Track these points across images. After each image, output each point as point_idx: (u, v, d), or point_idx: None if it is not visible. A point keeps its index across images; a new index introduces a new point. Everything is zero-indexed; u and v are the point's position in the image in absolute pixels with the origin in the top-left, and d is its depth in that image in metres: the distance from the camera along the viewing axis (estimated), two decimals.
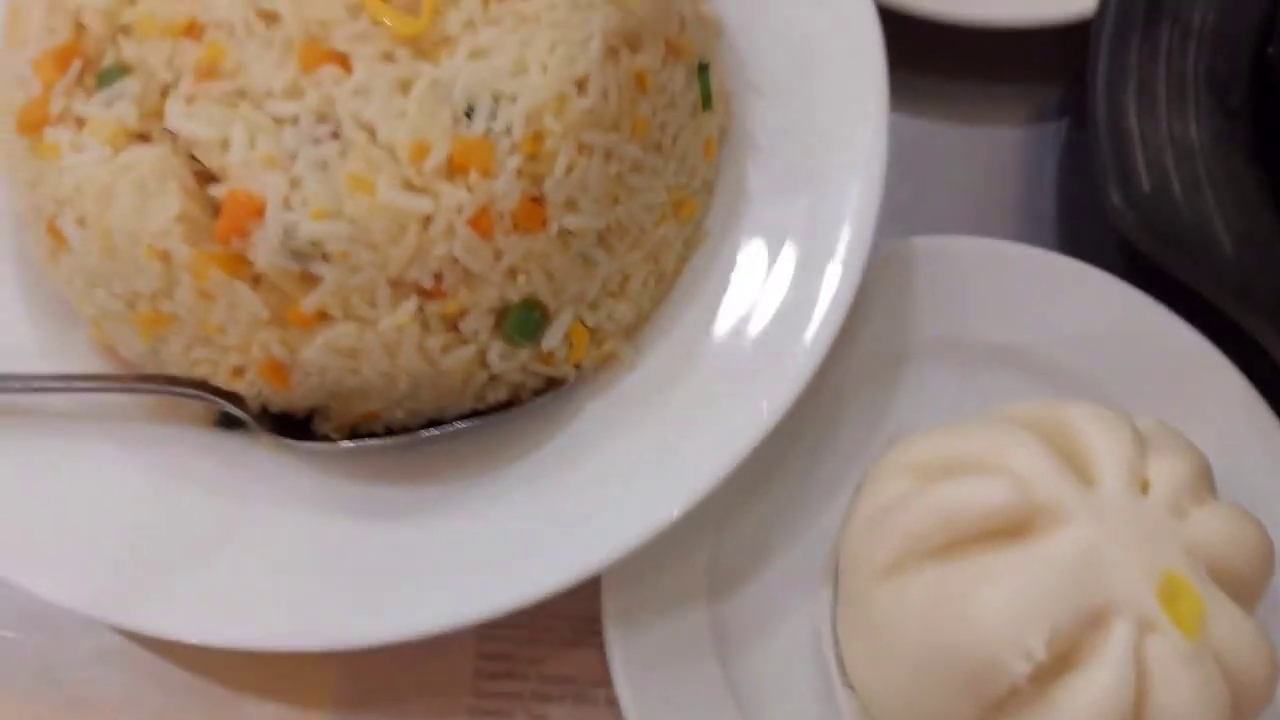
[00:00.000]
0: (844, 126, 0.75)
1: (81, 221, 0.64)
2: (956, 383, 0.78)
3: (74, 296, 0.69)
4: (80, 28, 0.67)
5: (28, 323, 0.73)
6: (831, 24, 0.78)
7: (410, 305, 0.63)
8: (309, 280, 0.62)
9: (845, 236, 0.72)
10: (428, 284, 0.63)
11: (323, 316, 0.63)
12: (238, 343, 0.65)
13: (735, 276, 0.74)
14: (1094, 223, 0.83)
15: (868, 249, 0.72)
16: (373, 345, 0.64)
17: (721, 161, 0.78)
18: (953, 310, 0.78)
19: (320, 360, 0.65)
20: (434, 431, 0.69)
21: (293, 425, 0.71)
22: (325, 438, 0.71)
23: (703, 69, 0.74)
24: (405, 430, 0.71)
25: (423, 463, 0.71)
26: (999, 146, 0.88)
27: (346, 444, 0.70)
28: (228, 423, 0.72)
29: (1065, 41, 0.86)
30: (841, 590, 0.68)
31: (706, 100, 0.74)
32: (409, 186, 0.62)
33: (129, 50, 0.65)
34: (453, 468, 0.71)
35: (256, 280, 0.63)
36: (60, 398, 0.71)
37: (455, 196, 0.62)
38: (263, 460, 0.71)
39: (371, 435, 0.71)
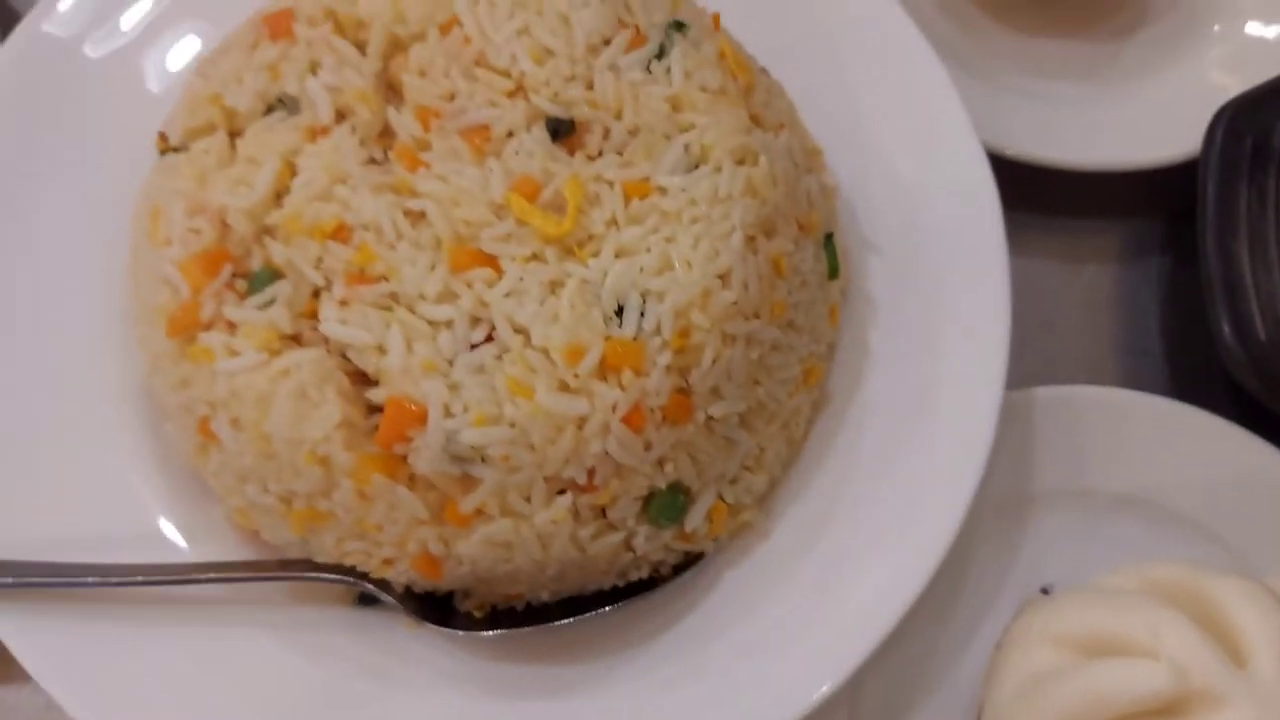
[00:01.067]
0: (964, 280, 0.77)
1: (237, 424, 0.65)
2: (1081, 531, 0.79)
3: (221, 488, 0.70)
4: (224, 228, 0.68)
5: (169, 507, 0.74)
6: (943, 173, 0.80)
7: (565, 501, 0.64)
8: (468, 481, 0.64)
9: (973, 398, 0.74)
10: (581, 479, 0.64)
11: (480, 514, 0.64)
12: (394, 539, 0.66)
13: (862, 439, 0.75)
14: (1203, 360, 0.84)
15: (996, 413, 0.73)
16: (527, 538, 0.65)
17: (841, 320, 0.79)
18: (1073, 459, 0.79)
19: (475, 553, 0.66)
20: (574, 619, 0.70)
21: (434, 603, 0.72)
22: (467, 615, 0.72)
23: (828, 239, 0.75)
24: (546, 607, 0.72)
25: (563, 641, 0.72)
26: (1099, 283, 0.90)
27: (489, 633, 0.70)
28: (367, 600, 0.73)
29: (1160, 179, 0.87)
30: None
31: (834, 270, 0.75)
32: (565, 388, 0.63)
33: (277, 252, 0.66)
34: (593, 645, 0.71)
35: (414, 481, 0.64)
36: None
37: (610, 396, 0.63)
38: (404, 639, 0.72)
39: (512, 612, 0.72)
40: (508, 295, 0.64)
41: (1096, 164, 0.86)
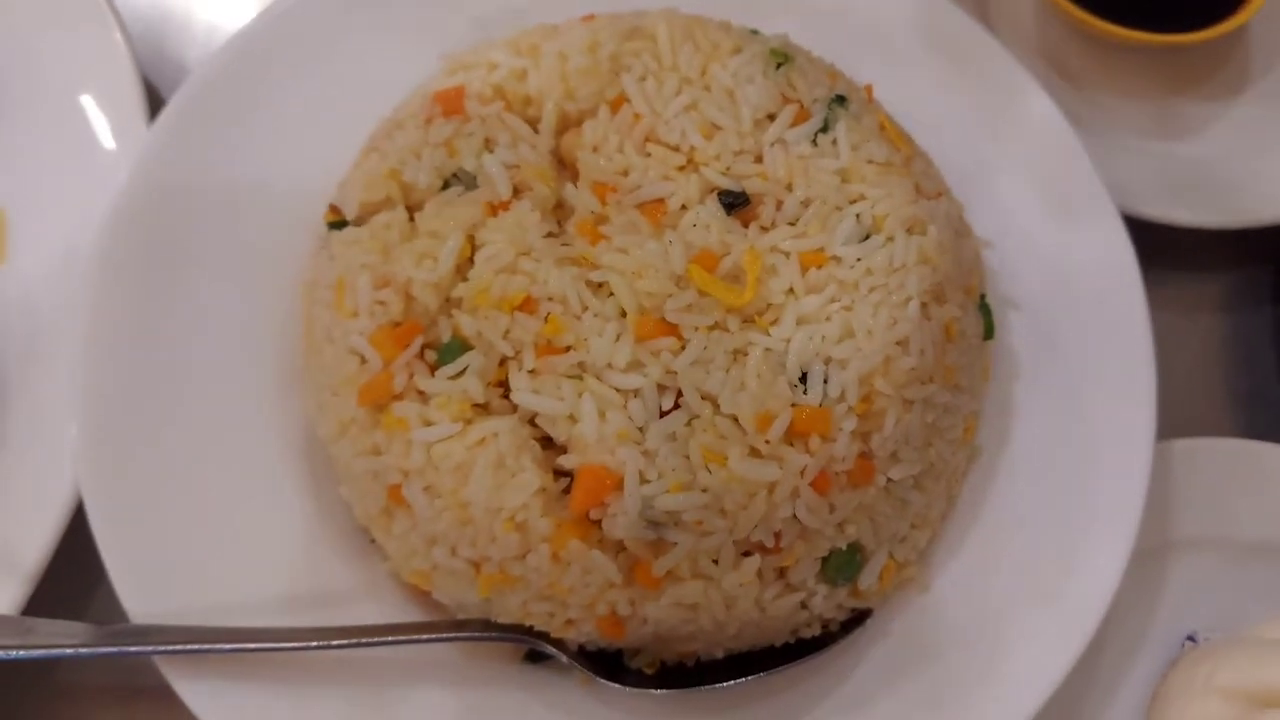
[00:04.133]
0: (1105, 337, 0.79)
1: (431, 490, 0.67)
2: (1220, 580, 0.81)
3: (402, 550, 0.72)
4: (409, 300, 0.71)
5: (338, 569, 0.76)
6: (1078, 233, 0.82)
7: (753, 563, 0.66)
8: (660, 545, 0.66)
9: (1125, 454, 0.76)
10: (769, 542, 0.67)
11: (671, 576, 0.66)
12: (584, 601, 0.67)
13: (1015, 493, 0.77)
14: None
15: (1148, 468, 0.75)
16: (715, 600, 0.67)
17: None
18: (1210, 508, 0.82)
19: (662, 615, 0.67)
20: (747, 679, 0.71)
21: (605, 660, 0.73)
22: (637, 672, 0.73)
23: (982, 301, 0.78)
24: (715, 663, 0.74)
25: (734, 699, 0.73)
26: (1213, 333, 0.92)
27: (660, 691, 0.71)
28: (535, 658, 0.75)
29: (1270, 231, 0.90)
30: None
31: (989, 331, 0.78)
32: (756, 454, 0.65)
33: (465, 324, 0.69)
34: (764, 702, 0.73)
35: (605, 544, 0.66)
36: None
37: (798, 461, 0.65)
38: (577, 696, 0.73)
39: (682, 668, 0.74)
40: (694, 364, 0.67)
41: (1214, 223, 0.89)
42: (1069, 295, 0.81)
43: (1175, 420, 0.87)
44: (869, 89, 0.79)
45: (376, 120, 0.82)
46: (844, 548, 0.69)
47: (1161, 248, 0.92)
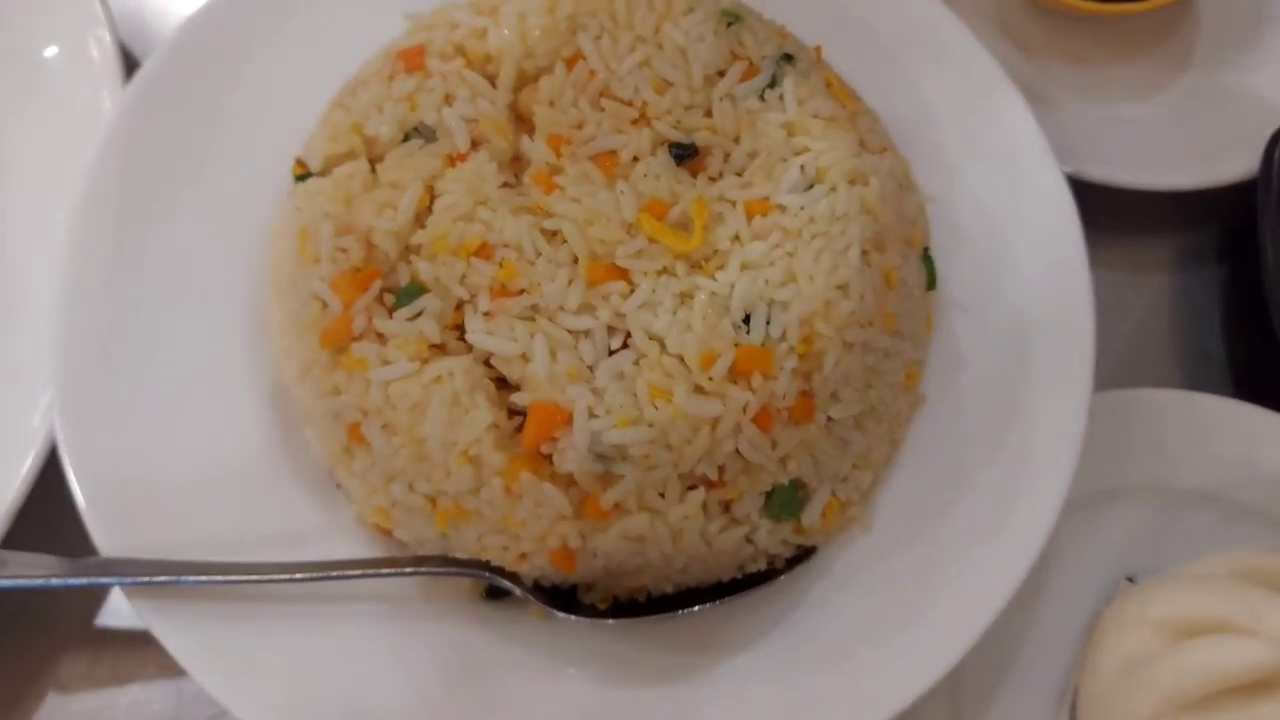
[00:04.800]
0: (1047, 290, 0.82)
1: (389, 428, 0.70)
2: (1159, 525, 0.84)
3: (362, 489, 0.75)
4: (370, 247, 0.73)
5: (303, 508, 0.79)
6: (1021, 190, 0.85)
7: (698, 496, 0.69)
8: (609, 479, 0.68)
9: (1063, 402, 0.78)
10: (713, 476, 0.69)
11: (618, 509, 0.69)
12: (535, 534, 0.70)
13: (957, 440, 0.80)
14: (1263, 361, 0.90)
15: (1085, 416, 0.78)
16: (661, 532, 0.70)
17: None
18: (1147, 457, 0.85)
19: (611, 547, 0.70)
20: (696, 609, 0.74)
21: (560, 596, 0.76)
22: (591, 606, 0.76)
23: (925, 253, 0.81)
24: (665, 598, 0.77)
25: (682, 630, 0.76)
26: (1161, 292, 0.96)
27: (612, 620, 0.75)
28: (494, 595, 0.77)
29: (1215, 193, 0.93)
30: None
31: (932, 281, 0.81)
32: (700, 391, 0.68)
33: (423, 269, 0.71)
34: (710, 634, 0.75)
35: (556, 479, 0.69)
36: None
37: (741, 398, 0.68)
38: (531, 629, 0.76)
39: (633, 604, 0.77)
40: (642, 306, 0.69)
41: (1160, 185, 0.92)
42: (1012, 249, 0.84)
43: (1123, 376, 0.90)
44: (818, 49, 0.82)
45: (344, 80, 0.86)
46: (786, 484, 0.72)
47: (1111, 210, 0.95)
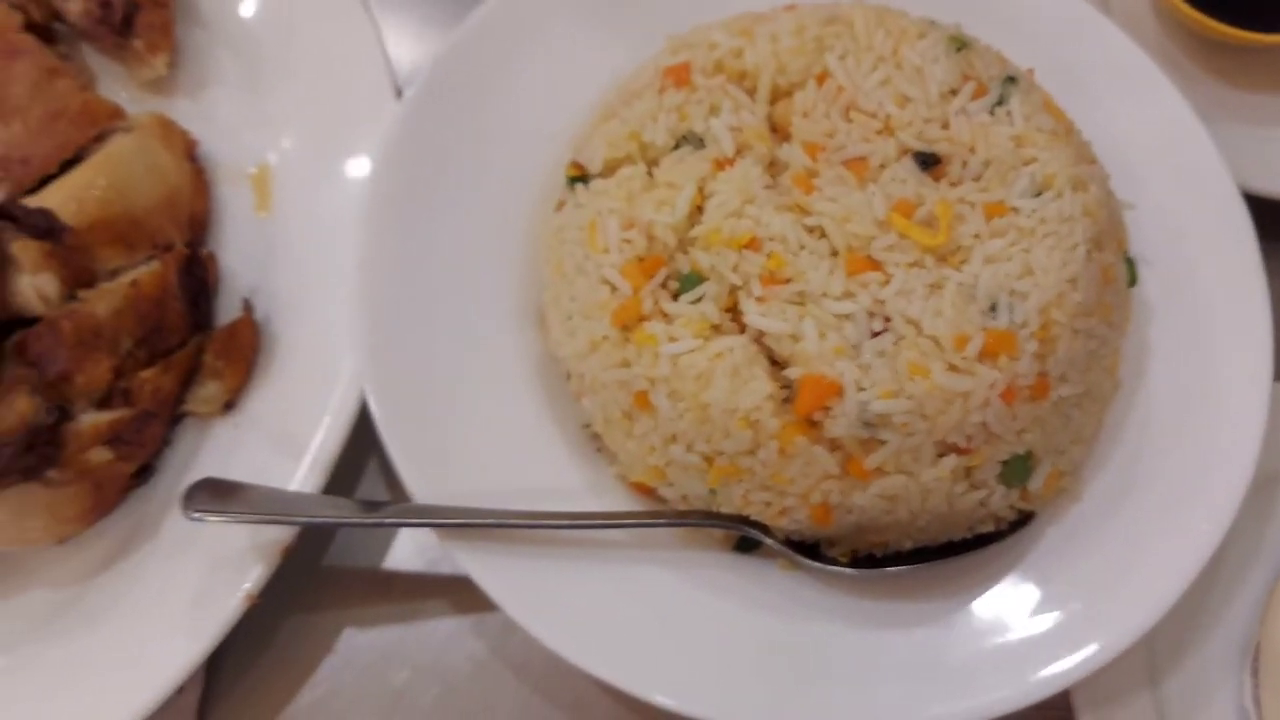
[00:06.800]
0: (1227, 289, 0.92)
1: (675, 395, 0.81)
2: None
3: (636, 450, 0.85)
4: (651, 239, 0.84)
5: (571, 469, 0.89)
6: (1203, 205, 0.95)
7: (949, 461, 0.80)
8: (872, 444, 0.79)
9: (1249, 389, 0.88)
10: (962, 444, 0.79)
11: (879, 471, 0.79)
12: (801, 491, 0.81)
13: (1151, 421, 0.89)
14: None
15: (1268, 401, 0.87)
16: (913, 493, 0.80)
17: None
18: None
19: (868, 504, 0.81)
20: (934, 563, 0.84)
21: (805, 549, 0.87)
22: (833, 560, 0.87)
23: (1127, 254, 0.90)
24: (898, 554, 0.86)
25: (916, 582, 0.86)
26: None
27: (853, 571, 0.84)
28: (745, 547, 0.88)
29: None
30: (1265, 679, 0.82)
31: (1133, 279, 0.90)
32: (954, 369, 0.78)
33: (701, 259, 0.82)
34: (942, 586, 0.86)
35: (823, 442, 0.80)
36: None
37: (990, 376, 0.78)
38: (780, 577, 0.86)
39: (871, 558, 0.87)
40: (898, 293, 0.80)
41: None
42: (1193, 254, 0.94)
43: None
44: (1030, 72, 0.91)
45: (595, 89, 0.98)
46: (1021, 454, 0.82)
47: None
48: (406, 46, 1.11)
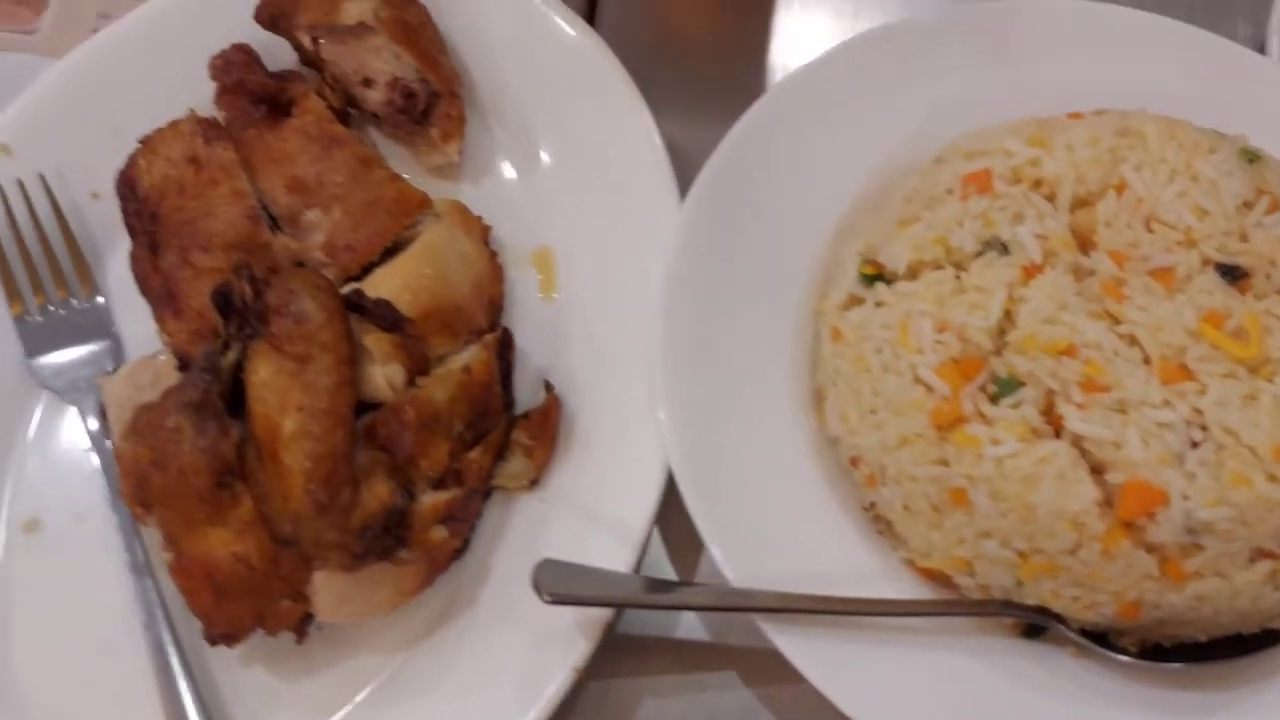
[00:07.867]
0: None
1: (996, 495, 0.85)
2: None
3: (945, 542, 0.89)
4: (965, 341, 0.88)
5: (858, 551, 0.94)
6: None
7: (1263, 566, 0.84)
8: (1191, 548, 0.83)
9: None
10: (1276, 549, 0.84)
11: (1196, 574, 0.83)
12: (1115, 589, 0.85)
13: None
14: None
15: None
16: (1223, 594, 0.84)
17: None
18: None
19: (1180, 604, 0.85)
20: (1228, 661, 0.88)
21: (1094, 638, 0.91)
22: (1123, 650, 0.90)
23: None
24: (1190, 646, 0.90)
25: (1204, 674, 0.89)
26: None
27: (1150, 664, 0.88)
28: (1031, 634, 0.92)
29: None
30: None
31: None
32: (1273, 479, 0.82)
33: (1018, 364, 0.86)
34: (1229, 678, 0.89)
35: (1142, 545, 0.84)
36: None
37: None
38: (1070, 665, 0.90)
39: (1159, 648, 0.91)
40: (1217, 404, 0.84)
41: None
42: None
43: None
44: None
45: (854, 182, 1.04)
46: None
47: None
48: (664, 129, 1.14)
